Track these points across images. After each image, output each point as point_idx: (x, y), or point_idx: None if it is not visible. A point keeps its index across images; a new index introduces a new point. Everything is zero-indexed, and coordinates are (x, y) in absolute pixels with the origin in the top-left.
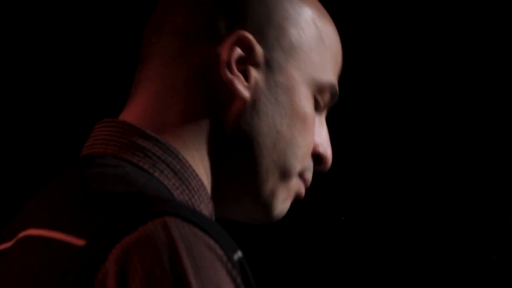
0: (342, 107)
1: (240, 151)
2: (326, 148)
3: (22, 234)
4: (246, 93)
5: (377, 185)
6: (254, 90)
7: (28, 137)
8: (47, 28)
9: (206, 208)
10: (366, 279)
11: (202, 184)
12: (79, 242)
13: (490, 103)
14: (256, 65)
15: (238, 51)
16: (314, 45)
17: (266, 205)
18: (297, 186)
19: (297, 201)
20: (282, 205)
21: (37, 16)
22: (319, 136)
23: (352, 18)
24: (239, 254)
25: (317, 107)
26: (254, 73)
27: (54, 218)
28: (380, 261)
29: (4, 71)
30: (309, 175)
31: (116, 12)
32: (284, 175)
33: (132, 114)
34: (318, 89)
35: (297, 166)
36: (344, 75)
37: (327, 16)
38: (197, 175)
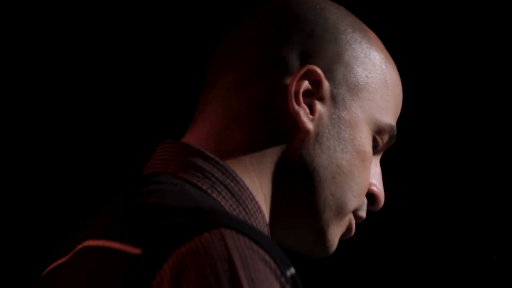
0: None
1: (299, 181)
2: (380, 188)
3: (79, 246)
4: (310, 125)
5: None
6: (318, 123)
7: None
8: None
9: (261, 231)
10: (366, 278)
11: (259, 207)
12: (136, 251)
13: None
14: (322, 99)
15: (306, 84)
16: (379, 87)
17: (320, 236)
18: (350, 223)
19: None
20: (334, 237)
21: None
22: (374, 176)
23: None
24: (292, 270)
25: (375, 147)
26: (319, 106)
27: (112, 229)
28: (380, 261)
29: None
30: (363, 213)
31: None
32: (341, 209)
33: (194, 136)
34: (378, 130)
35: (353, 202)
36: None
37: (392, 61)
38: (254, 198)
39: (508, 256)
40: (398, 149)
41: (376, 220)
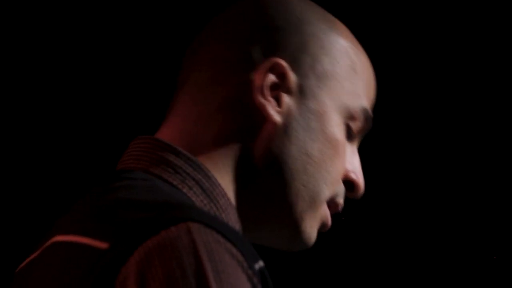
0: None
1: (270, 174)
2: (358, 175)
3: (49, 242)
4: (277, 117)
5: (377, 183)
6: (286, 115)
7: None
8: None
9: (233, 226)
10: (366, 279)
11: (231, 203)
12: (103, 245)
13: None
14: (288, 91)
15: (271, 77)
16: (347, 74)
17: (294, 229)
18: (324, 214)
19: None
20: (310, 230)
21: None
22: (351, 163)
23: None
24: (260, 263)
25: (349, 135)
26: (286, 99)
27: (80, 225)
28: (380, 261)
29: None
30: (340, 200)
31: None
32: (314, 199)
33: (166, 134)
34: (350, 116)
35: (326, 192)
36: None
37: (359, 46)
38: (225, 194)
39: (508, 256)
40: (393, 148)
41: (375, 218)
